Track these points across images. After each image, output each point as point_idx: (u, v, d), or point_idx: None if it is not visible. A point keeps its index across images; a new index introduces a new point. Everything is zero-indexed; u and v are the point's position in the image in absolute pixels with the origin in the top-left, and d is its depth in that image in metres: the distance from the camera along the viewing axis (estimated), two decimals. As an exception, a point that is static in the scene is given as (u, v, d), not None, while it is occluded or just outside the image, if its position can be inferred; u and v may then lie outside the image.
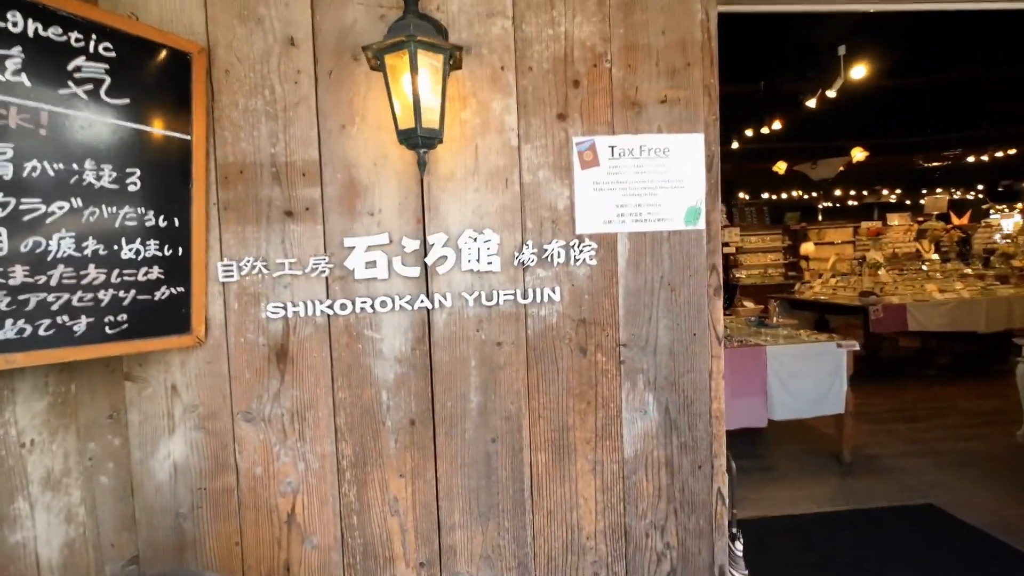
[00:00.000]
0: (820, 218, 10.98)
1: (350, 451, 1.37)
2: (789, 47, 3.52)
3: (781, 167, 6.23)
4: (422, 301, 1.36)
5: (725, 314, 4.41)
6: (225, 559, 1.33)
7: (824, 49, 3.28)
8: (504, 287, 1.39)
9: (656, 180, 1.43)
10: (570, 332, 1.42)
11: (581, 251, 1.40)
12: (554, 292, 1.40)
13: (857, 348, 3.79)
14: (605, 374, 1.44)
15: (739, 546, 1.50)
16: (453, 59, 1.19)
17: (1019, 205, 11.27)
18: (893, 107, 6.25)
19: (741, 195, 9.97)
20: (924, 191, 8.20)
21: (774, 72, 4.05)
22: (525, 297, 1.39)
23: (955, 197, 9.63)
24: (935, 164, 7.76)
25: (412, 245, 1.35)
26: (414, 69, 1.09)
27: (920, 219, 8.83)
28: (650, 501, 1.46)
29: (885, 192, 9.32)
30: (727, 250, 9.75)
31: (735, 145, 5.22)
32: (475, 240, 1.37)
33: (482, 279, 1.39)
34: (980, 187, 9.53)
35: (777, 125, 4.44)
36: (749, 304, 4.24)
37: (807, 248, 9.68)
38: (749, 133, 4.95)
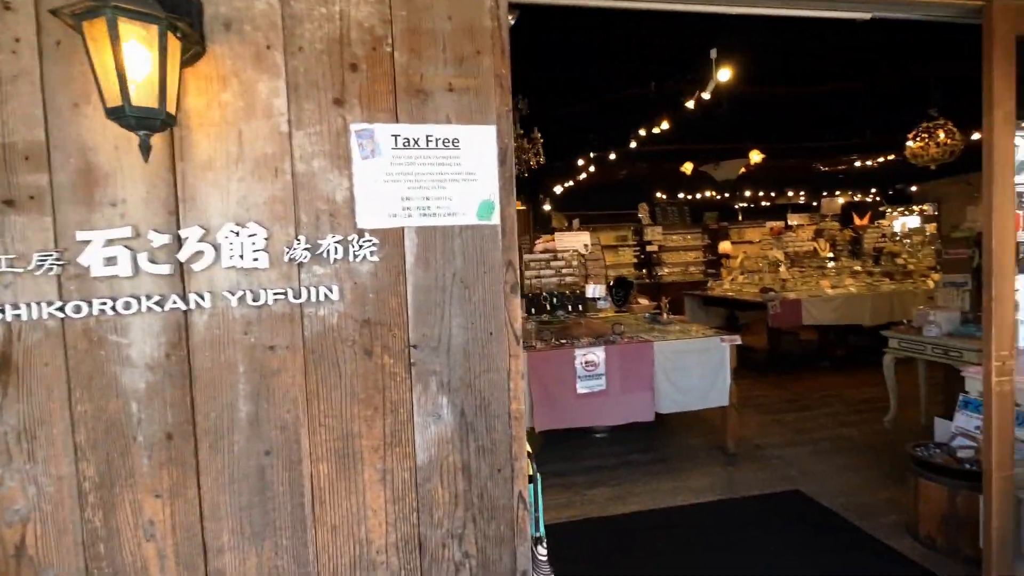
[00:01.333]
0: (740, 218, 11.48)
1: (93, 471, 1.22)
2: (673, 49, 3.61)
3: (688, 167, 6.44)
4: (175, 301, 1.23)
5: (619, 311, 4.50)
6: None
7: (700, 53, 3.39)
8: (274, 286, 1.28)
9: (446, 172, 1.36)
10: (353, 333, 1.33)
11: (362, 246, 1.31)
12: (332, 291, 1.30)
13: (739, 341, 3.93)
14: (394, 377, 1.35)
15: (542, 550, 1.46)
16: (181, 32, 1.07)
17: (915, 207, 12.30)
18: (790, 114, 6.58)
19: (659, 195, 10.27)
20: (825, 193, 8.79)
21: (665, 75, 4.15)
22: (299, 296, 1.29)
23: (855, 200, 10.38)
24: (835, 169, 8.28)
25: (162, 240, 1.22)
26: (114, 39, 0.96)
27: (818, 220, 9.43)
28: (446, 509, 1.39)
29: (791, 194, 9.91)
30: (650, 248, 10.04)
31: (634, 145, 5.35)
32: (238, 234, 1.25)
33: (249, 277, 1.27)
34: (874, 191, 10.32)
35: (665, 125, 4.56)
36: (644, 301, 4.32)
37: (725, 247, 10.10)
38: (656, 131, 5.04)
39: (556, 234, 4.66)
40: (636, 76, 4.31)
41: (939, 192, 11.08)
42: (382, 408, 1.35)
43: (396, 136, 1.33)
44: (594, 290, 4.19)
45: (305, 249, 1.29)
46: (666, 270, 10.13)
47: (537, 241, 4.64)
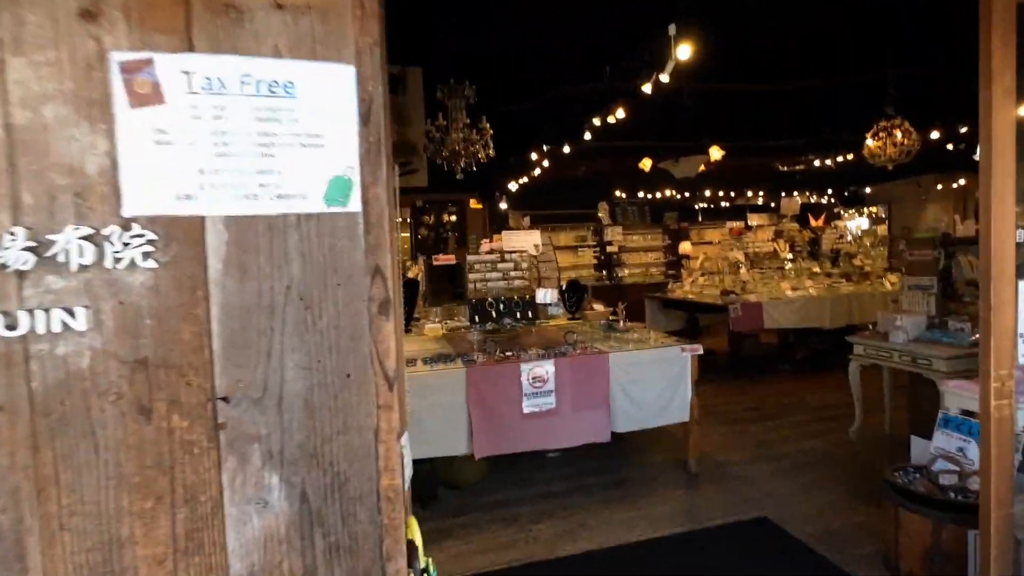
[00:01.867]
0: (700, 218, 11.38)
1: None
2: (628, 25, 3.25)
3: (647, 164, 6.15)
4: None
5: (573, 318, 4.11)
6: None
7: (658, 32, 3.04)
8: (-31, 309, 0.78)
9: (275, 133, 0.89)
10: (118, 382, 0.84)
11: (131, 245, 0.83)
12: (77, 315, 0.82)
13: (701, 351, 3.59)
14: (189, 448, 0.88)
15: None
16: None
17: (866, 209, 12.53)
18: (749, 111, 6.38)
19: (619, 193, 10.02)
20: (784, 194, 8.73)
21: (619, 55, 3.79)
22: (17, 326, 0.79)
23: (811, 201, 10.41)
24: (793, 168, 8.19)
25: None
26: None
27: (778, 221, 9.37)
28: (282, 643, 0.92)
29: (750, 194, 9.84)
30: (610, 248, 9.77)
31: (589, 137, 4.99)
32: None
33: (-80, 295, 0.77)
34: (831, 191, 10.38)
35: (621, 114, 4.21)
36: (599, 307, 3.95)
37: (685, 247, 9.93)
38: (612, 121, 4.68)
39: (504, 233, 4.23)
40: (589, 57, 3.94)
41: (891, 194, 11.31)
42: (169, 497, 0.87)
43: (190, 74, 0.85)
44: (544, 295, 3.80)
45: (27, 249, 0.79)
46: (627, 271, 9.87)
47: (483, 242, 4.20)
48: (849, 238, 8.16)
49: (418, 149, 5.93)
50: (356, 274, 0.94)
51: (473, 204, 10.58)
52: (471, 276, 3.93)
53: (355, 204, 0.94)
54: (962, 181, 9.51)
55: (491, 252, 4.03)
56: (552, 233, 9.86)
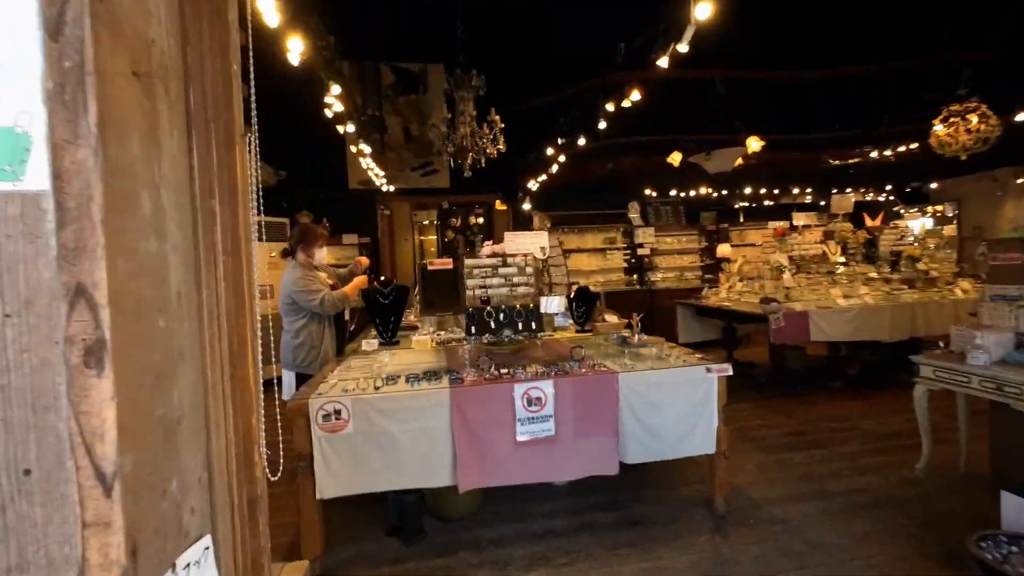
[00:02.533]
0: (742, 218, 10.60)
1: None
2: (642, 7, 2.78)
3: (676, 158, 5.58)
4: None
5: (582, 330, 3.62)
6: None
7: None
8: None
9: None
10: None
11: None
12: None
13: (730, 372, 3.06)
14: None
15: None
16: None
17: (930, 208, 11.38)
18: (792, 100, 5.73)
19: (649, 192, 9.39)
20: (834, 190, 7.90)
21: (633, 32, 3.31)
22: None
23: (866, 199, 9.47)
24: (845, 163, 7.40)
25: None
26: None
27: (827, 220, 8.53)
28: None
29: (797, 191, 9.00)
30: (642, 251, 9.17)
31: (604, 126, 4.48)
32: None
33: None
34: (889, 188, 9.39)
35: (637, 96, 3.70)
36: (612, 318, 3.47)
37: (724, 250, 9.23)
38: (626, 105, 4.15)
39: (507, 234, 3.81)
40: (604, 41, 3.48)
41: (960, 190, 10.18)
42: None
43: None
44: (549, 304, 3.36)
45: None
46: (659, 275, 9.25)
47: (484, 244, 3.80)
48: (910, 239, 7.29)
49: (438, 149, 5.55)
50: (39, 298, 0.55)
51: (498, 205, 10.22)
52: (469, 282, 3.54)
53: (38, 177, 0.55)
54: (1048, 174, 8.40)
55: (493, 256, 3.63)
56: (579, 235, 9.37)
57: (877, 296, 5.64)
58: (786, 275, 5.81)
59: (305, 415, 2.64)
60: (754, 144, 4.88)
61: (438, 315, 3.67)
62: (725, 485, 3.17)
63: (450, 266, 3.63)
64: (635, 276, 9.32)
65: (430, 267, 3.59)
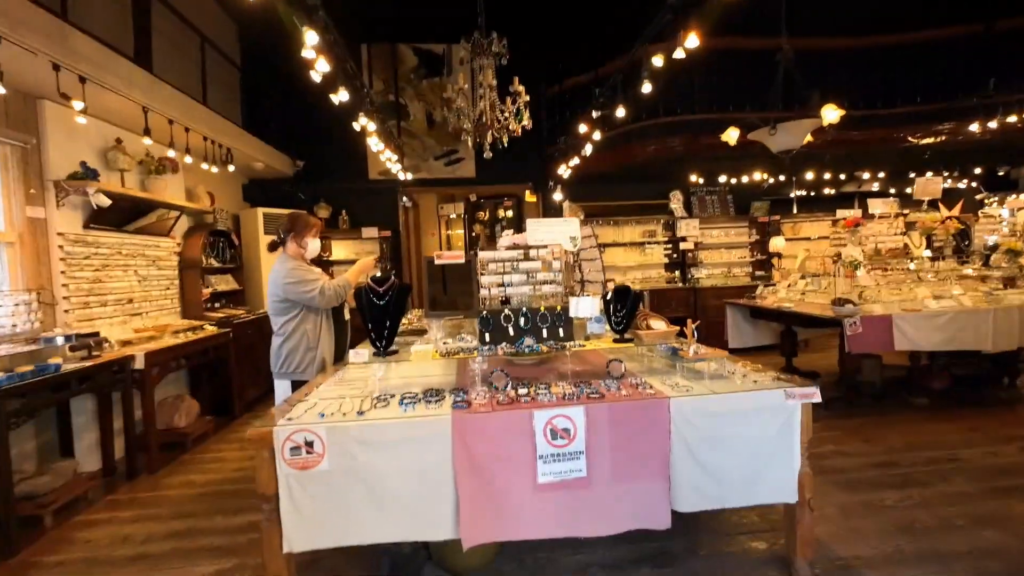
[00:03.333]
0: (795, 209, 9.61)
1: None
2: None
3: (731, 135, 4.81)
4: None
5: (621, 339, 2.93)
6: None
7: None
8: None
9: None
10: None
11: None
12: None
13: (818, 399, 2.35)
14: None
15: None
16: None
17: (1013, 197, 10.04)
18: (873, 70, 4.85)
19: (695, 179, 8.54)
20: (913, 174, 6.86)
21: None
22: None
23: (946, 185, 8.34)
24: (927, 141, 6.39)
25: None
26: None
27: (906, 210, 7.50)
28: None
29: (867, 176, 7.95)
30: (684, 245, 8.36)
31: (648, 89, 3.74)
32: None
33: None
34: (977, 171, 8.19)
35: (695, 40, 2.95)
36: (659, 324, 2.79)
37: (777, 244, 8.32)
38: (679, 55, 3.43)
39: (529, 221, 3.18)
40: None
41: (1061, 174, 8.87)
42: None
43: None
44: (581, 306, 2.71)
45: None
46: (704, 272, 8.42)
47: (505, 234, 3.19)
48: (1005, 230, 6.25)
49: (454, 127, 4.93)
50: None
51: (528, 197, 9.59)
52: (484, 280, 2.94)
53: None
54: None
55: (513, 247, 3.02)
56: (615, 228, 8.62)
57: (976, 297, 4.73)
58: (861, 272, 4.95)
59: (270, 447, 2.10)
60: (831, 114, 4.09)
61: (448, 318, 3.08)
62: (807, 540, 2.46)
63: (461, 259, 3.03)
64: (676, 273, 8.52)
65: (437, 260, 3.00)
